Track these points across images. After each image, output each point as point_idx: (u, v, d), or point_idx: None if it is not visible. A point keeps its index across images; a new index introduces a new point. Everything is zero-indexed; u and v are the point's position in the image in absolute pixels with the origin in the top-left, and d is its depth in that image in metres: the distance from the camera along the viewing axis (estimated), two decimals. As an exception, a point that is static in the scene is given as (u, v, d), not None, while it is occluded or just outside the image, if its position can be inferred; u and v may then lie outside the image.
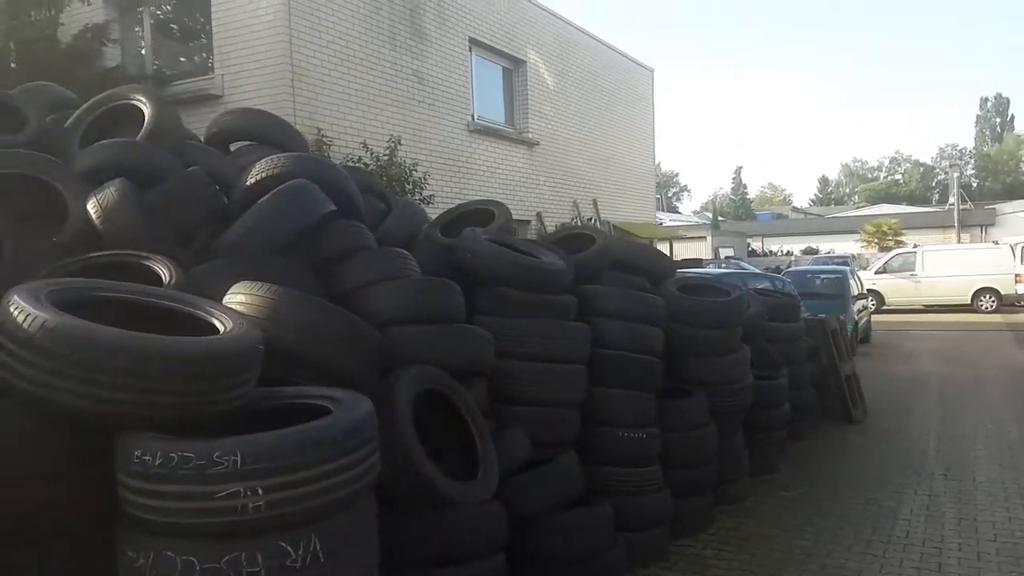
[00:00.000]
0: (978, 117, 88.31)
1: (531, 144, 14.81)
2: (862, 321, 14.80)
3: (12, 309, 2.06)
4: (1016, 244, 23.90)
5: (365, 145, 10.00)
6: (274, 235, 3.50)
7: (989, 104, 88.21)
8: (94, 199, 3.37)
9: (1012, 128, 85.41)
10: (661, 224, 25.59)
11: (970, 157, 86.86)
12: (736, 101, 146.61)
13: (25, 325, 2.02)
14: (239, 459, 1.92)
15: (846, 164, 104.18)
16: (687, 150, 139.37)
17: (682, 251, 26.22)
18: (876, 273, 23.53)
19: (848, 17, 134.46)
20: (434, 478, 3.11)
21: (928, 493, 6.15)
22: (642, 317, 5.18)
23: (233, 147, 5.13)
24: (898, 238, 35.34)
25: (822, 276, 14.97)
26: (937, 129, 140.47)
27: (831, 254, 34.21)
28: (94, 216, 3.32)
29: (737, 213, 69.02)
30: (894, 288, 23.28)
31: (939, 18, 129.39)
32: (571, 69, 16.24)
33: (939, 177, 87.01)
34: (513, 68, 14.68)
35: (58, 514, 2.12)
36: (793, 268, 18.91)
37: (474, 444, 3.58)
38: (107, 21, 9.90)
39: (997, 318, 20.85)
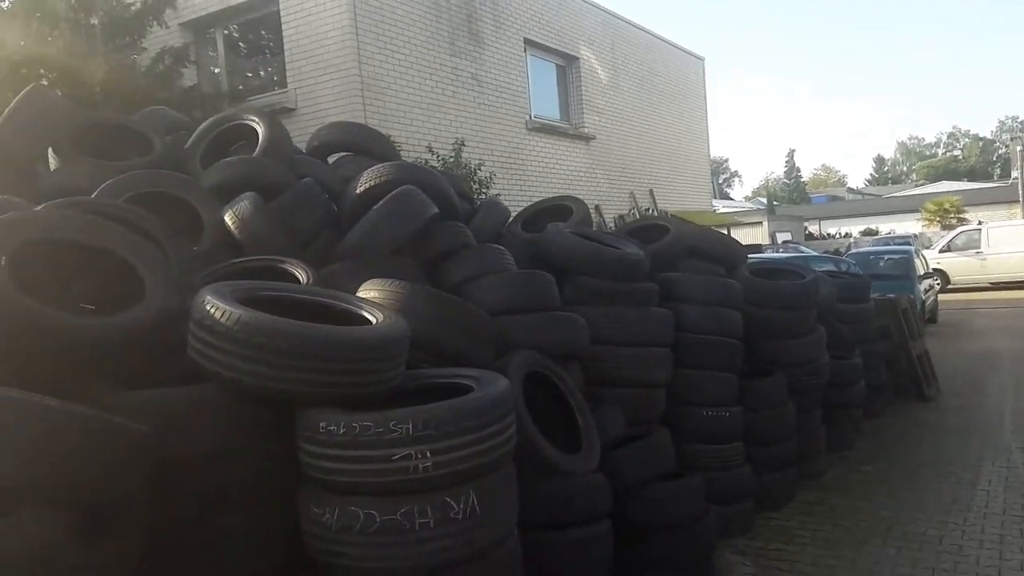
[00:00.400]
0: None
1: (587, 139, 15.05)
2: (929, 300, 14.68)
3: (208, 307, 2.43)
4: (1087, 216, 23.24)
5: (431, 148, 10.37)
6: (392, 237, 3.86)
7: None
8: (230, 211, 3.76)
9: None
10: (716, 211, 25.53)
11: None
12: (786, 84, 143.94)
13: (223, 320, 2.38)
14: (411, 427, 2.25)
15: (902, 142, 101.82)
16: (737, 136, 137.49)
17: (739, 237, 26.06)
18: (940, 252, 23.15)
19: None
20: (545, 449, 3.42)
21: (1006, 465, 6.25)
22: (721, 301, 5.42)
23: (331, 158, 5.52)
24: (960, 215, 34.56)
25: (887, 256, 14.90)
26: (996, 101, 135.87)
27: (891, 234, 33.61)
28: (232, 226, 3.71)
29: (791, 197, 68.00)
30: (959, 266, 22.88)
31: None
32: (622, 62, 16.42)
33: (1000, 151, 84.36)
34: (566, 65, 14.94)
35: (248, 481, 2.48)
36: (855, 250, 18.74)
37: (576, 421, 3.88)
38: (185, 44, 10.46)
39: (1069, 293, 20.35)
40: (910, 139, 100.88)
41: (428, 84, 11.07)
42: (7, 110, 4.04)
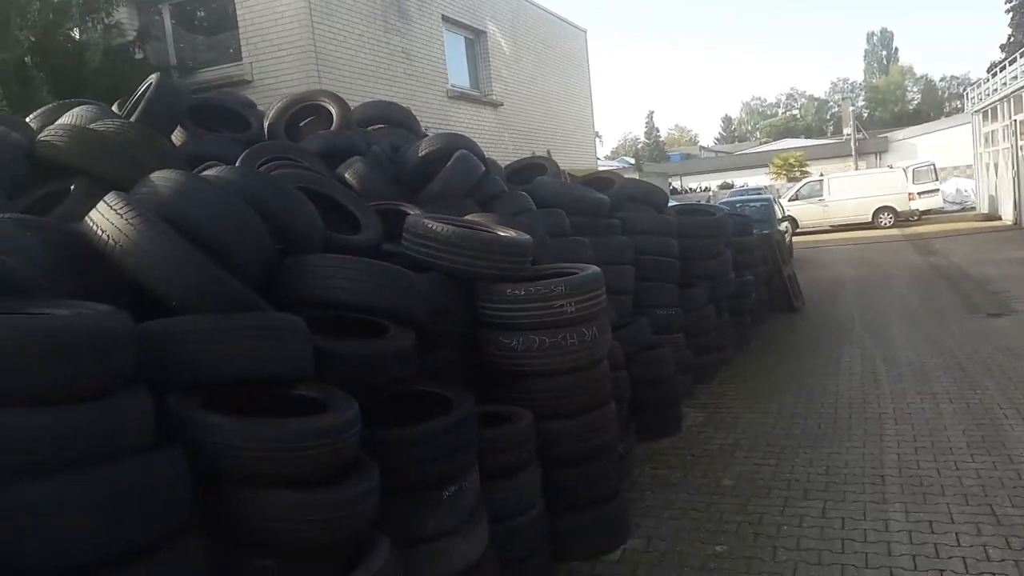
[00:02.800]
0: (865, 51, 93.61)
1: (496, 105, 16.68)
2: (786, 240, 17.39)
3: (430, 225, 3.99)
4: (908, 167, 27.19)
5: (375, 116, 11.69)
6: (461, 186, 5.44)
7: (875, 38, 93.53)
8: (349, 171, 5.21)
9: (897, 60, 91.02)
10: (599, 169, 27.74)
11: (860, 89, 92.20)
12: (638, 49, 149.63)
13: (442, 232, 3.95)
14: (564, 288, 3.93)
15: (746, 103, 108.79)
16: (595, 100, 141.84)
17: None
18: (789, 201, 26.41)
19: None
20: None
21: (860, 346, 8.59)
22: (663, 232, 7.32)
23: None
24: (803, 169, 38.68)
25: (751, 204, 17.44)
26: (828, 64, 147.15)
27: (745, 187, 37.19)
28: (352, 181, 5.16)
29: (652, 155, 72.15)
30: (806, 212, 26.25)
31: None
32: (522, 35, 18.07)
33: (833, 110, 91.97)
34: (475, 38, 16.44)
35: (455, 328, 4.07)
36: (720, 200, 21.39)
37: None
38: (144, 22, 11.24)
39: (895, 231, 24.01)
40: (753, 100, 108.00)
41: (369, 58, 12.34)
42: (148, 95, 5.23)
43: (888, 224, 25.43)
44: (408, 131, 6.83)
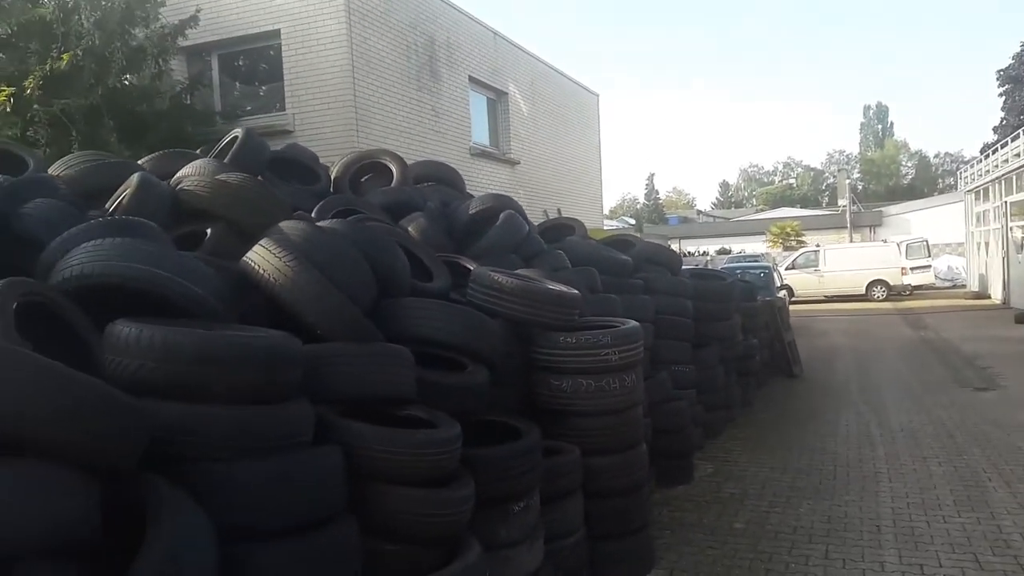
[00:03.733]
0: (862, 124, 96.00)
1: (513, 163, 17.47)
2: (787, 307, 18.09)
3: (496, 277, 4.59)
4: (902, 242, 28.11)
5: (406, 169, 12.41)
6: (509, 243, 6.07)
7: (871, 112, 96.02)
8: (412, 224, 5.83)
9: (892, 134, 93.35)
10: (604, 228, 28.54)
11: (856, 162, 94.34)
12: (638, 110, 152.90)
13: (505, 284, 4.55)
14: (610, 338, 4.53)
15: (744, 169, 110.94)
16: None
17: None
18: (786, 269, 27.21)
19: (736, 28, 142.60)
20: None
21: (856, 411, 9.17)
22: (679, 293, 7.94)
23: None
24: (799, 238, 39.67)
25: (752, 271, 18.18)
26: (825, 135, 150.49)
27: (742, 253, 38.09)
28: (415, 234, 5.78)
29: (651, 217, 73.50)
30: (801, 281, 27.02)
31: (822, 28, 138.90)
32: (539, 97, 18.98)
33: (828, 180, 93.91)
34: (497, 99, 17.31)
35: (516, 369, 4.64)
36: (722, 266, 22.12)
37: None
38: (200, 70, 12.01)
39: (887, 304, 24.78)
40: (751, 167, 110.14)
41: (402, 114, 13.11)
42: (237, 147, 5.87)
43: (881, 297, 26.22)
44: (454, 189, 7.50)
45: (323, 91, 11.99)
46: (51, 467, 1.92)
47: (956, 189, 38.90)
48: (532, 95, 18.63)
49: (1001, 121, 45.24)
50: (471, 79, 15.78)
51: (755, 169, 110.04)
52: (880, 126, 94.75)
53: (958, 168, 39.40)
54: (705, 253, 43.01)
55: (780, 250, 38.28)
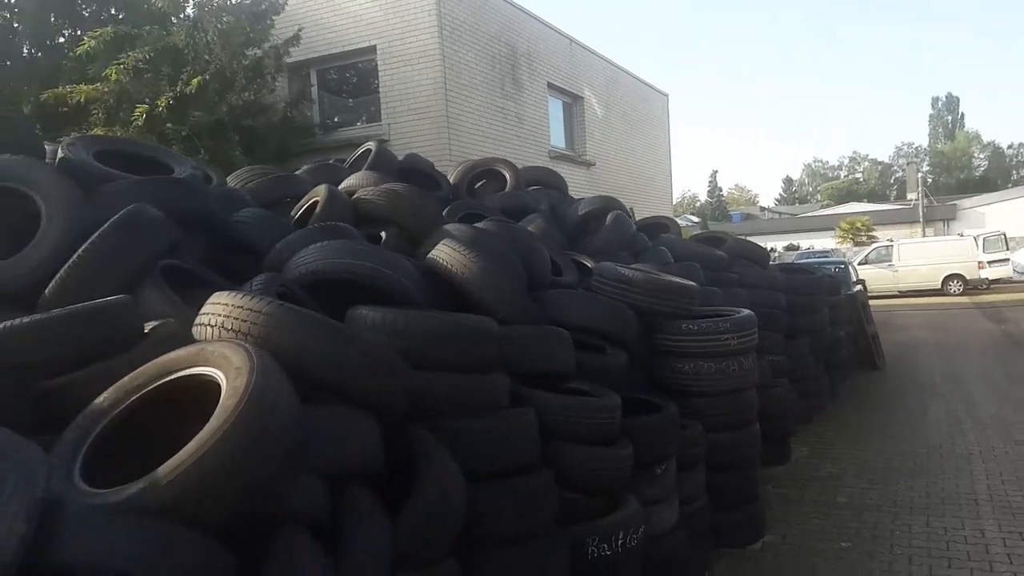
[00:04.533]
0: (931, 116, 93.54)
1: (589, 165, 17.97)
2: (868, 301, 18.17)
3: (624, 272, 5.13)
4: (978, 235, 27.65)
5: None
6: (618, 241, 6.60)
7: (940, 103, 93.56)
8: (532, 224, 6.40)
9: (963, 126, 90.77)
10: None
11: (925, 154, 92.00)
12: (701, 105, 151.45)
13: (633, 278, 5.08)
14: (729, 324, 5.02)
15: (808, 164, 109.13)
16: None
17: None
18: (859, 264, 27.02)
19: (794, 20, 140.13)
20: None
21: (943, 400, 9.43)
22: (774, 287, 8.35)
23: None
24: (870, 233, 39.13)
25: (827, 266, 18.29)
26: (892, 128, 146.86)
27: (811, 249, 37.77)
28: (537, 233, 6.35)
29: (714, 214, 73.02)
30: (874, 277, 26.78)
31: (889, 20, 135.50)
32: (612, 100, 19.45)
33: (897, 174, 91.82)
34: (572, 103, 17.84)
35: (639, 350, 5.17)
36: (799, 261, 22.21)
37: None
38: (300, 89, 12.89)
39: (964, 299, 24.45)
40: (815, 162, 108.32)
41: (488, 122, 13.76)
42: (372, 159, 6.53)
43: (957, 292, 25.86)
44: (559, 192, 8.06)
45: (416, 102, 12.70)
46: (357, 412, 2.54)
47: (1034, 180, 37.90)
48: (605, 98, 19.10)
49: (1081, 109, 43.76)
50: (549, 85, 16.35)
51: (819, 164, 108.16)
52: (950, 117, 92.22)
53: (1036, 159, 38.32)
54: (772, 249, 42.74)
55: (850, 245, 37.83)
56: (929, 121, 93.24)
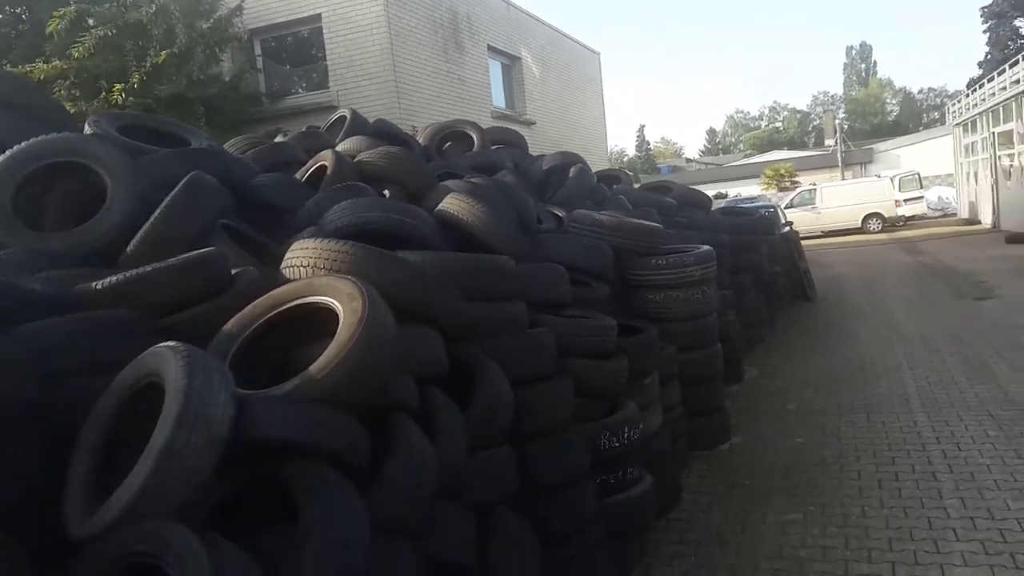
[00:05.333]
0: (845, 65, 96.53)
1: (530, 123, 18.49)
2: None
3: (596, 215, 5.74)
4: (894, 176, 29.27)
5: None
6: (582, 192, 7.20)
7: (854, 52, 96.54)
8: (504, 180, 6.93)
9: (875, 73, 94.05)
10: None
11: (841, 102, 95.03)
12: (622, 63, 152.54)
13: (605, 220, 5.70)
14: (693, 258, 5.70)
15: (730, 116, 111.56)
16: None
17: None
18: (785, 208, 28.33)
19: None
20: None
21: (870, 322, 10.42)
22: (719, 228, 9.11)
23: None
24: (793, 179, 40.76)
25: (760, 210, 19.33)
26: (810, 78, 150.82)
27: (738, 196, 39.15)
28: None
29: (643, 168, 74.36)
30: (800, 219, 28.00)
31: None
32: (548, 60, 19.95)
33: (815, 122, 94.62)
34: (511, 64, 18.28)
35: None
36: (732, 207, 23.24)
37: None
38: (246, 59, 13.02)
39: (883, 236, 26.00)
40: (737, 112, 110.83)
41: (435, 85, 14.13)
42: (346, 126, 6.94)
43: (877, 229, 27.43)
44: (520, 149, 8.60)
45: (364, 69, 13.00)
46: (427, 328, 3.10)
47: (942, 124, 39.97)
48: (542, 58, 19.59)
49: (986, 56, 46.17)
50: (489, 47, 16.74)
51: (741, 115, 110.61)
52: (864, 65, 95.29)
53: (943, 103, 40.41)
54: (702, 200, 44.05)
55: (775, 191, 39.35)
56: (843, 70, 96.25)
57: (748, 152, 78.09)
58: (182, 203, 3.48)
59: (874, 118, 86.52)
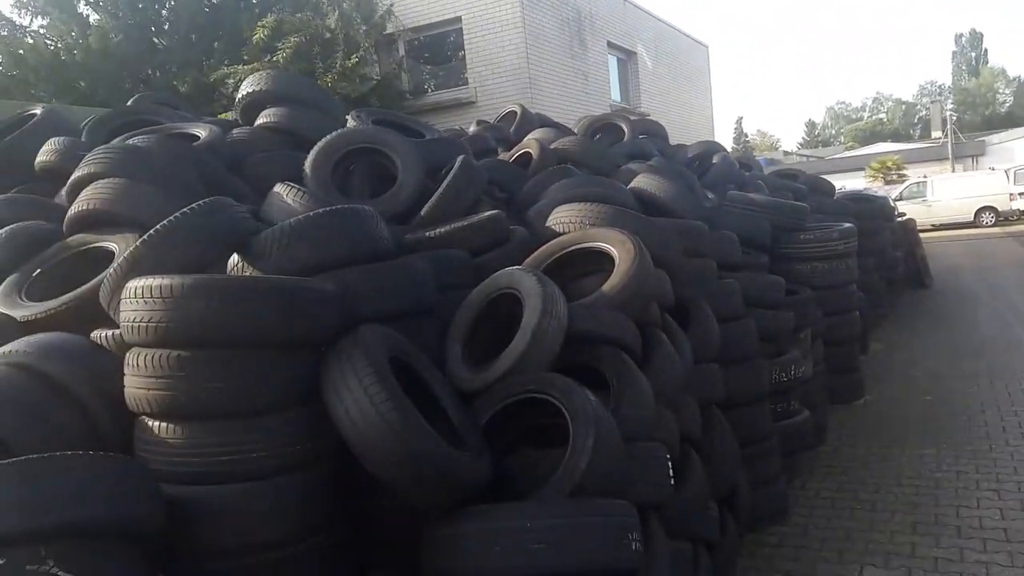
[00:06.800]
0: (954, 53, 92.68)
1: (644, 116, 19.28)
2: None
3: (753, 196, 6.62)
4: (1009, 169, 28.69)
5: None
6: (728, 178, 8.07)
7: (964, 40, 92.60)
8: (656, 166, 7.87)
9: (987, 62, 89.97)
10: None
11: (949, 92, 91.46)
12: (721, 53, 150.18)
13: (760, 200, 6.58)
14: (838, 233, 6.52)
15: (830, 107, 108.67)
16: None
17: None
18: (894, 200, 28.21)
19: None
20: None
21: (990, 307, 10.91)
22: (845, 212, 9.80)
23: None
24: (900, 172, 40.05)
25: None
26: (915, 67, 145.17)
27: (843, 189, 38.73)
28: (661, 173, 7.82)
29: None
30: (910, 212, 27.76)
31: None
32: (661, 54, 20.69)
33: (920, 113, 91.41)
34: (627, 59, 19.13)
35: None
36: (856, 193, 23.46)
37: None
38: (401, 56, 14.36)
39: (997, 229, 25.64)
40: (838, 104, 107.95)
41: (562, 81, 15.15)
42: (518, 122, 8.02)
43: (990, 223, 27.02)
44: (661, 139, 9.50)
45: (501, 66, 14.12)
46: (659, 270, 4.09)
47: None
48: (656, 52, 20.35)
49: (1109, 40, 44.03)
50: (609, 44, 17.65)
51: (843, 106, 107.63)
52: (974, 54, 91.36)
53: (1063, 91, 38.79)
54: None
55: (880, 184, 38.79)
56: (952, 58, 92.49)
57: (850, 144, 76.23)
58: (461, 178, 4.57)
59: (985, 109, 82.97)
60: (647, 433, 3.10)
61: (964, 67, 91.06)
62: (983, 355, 8.01)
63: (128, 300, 2.41)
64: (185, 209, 2.94)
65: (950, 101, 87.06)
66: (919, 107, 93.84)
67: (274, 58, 10.18)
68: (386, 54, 15.29)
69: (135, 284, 2.40)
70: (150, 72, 11.95)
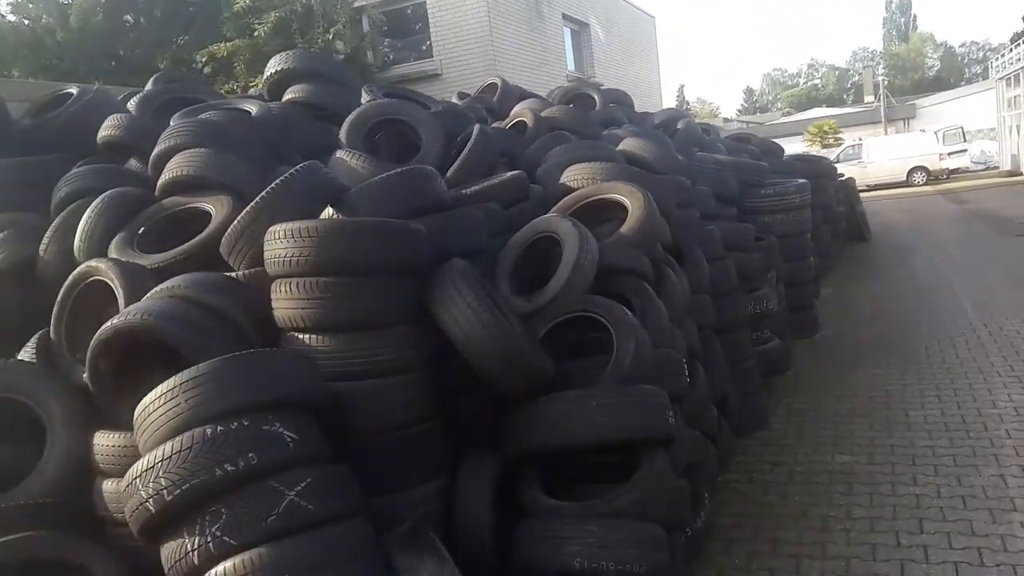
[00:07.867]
0: (884, 19, 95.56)
1: (598, 86, 19.99)
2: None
3: (718, 156, 7.41)
4: (938, 130, 30.33)
5: (531, 98, 15.12)
6: (692, 141, 8.86)
7: (893, 6, 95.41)
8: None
9: (916, 28, 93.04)
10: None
11: (880, 58, 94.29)
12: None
13: (726, 160, 7.37)
14: (794, 188, 7.37)
15: (767, 74, 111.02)
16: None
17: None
18: (832, 162, 29.58)
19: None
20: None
21: (923, 255, 12.01)
22: (793, 171, 10.71)
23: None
24: (836, 136, 41.71)
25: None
26: (848, 34, 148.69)
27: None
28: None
29: (682, 128, 75.05)
30: (848, 172, 29.35)
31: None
32: (612, 25, 21.39)
33: (854, 79, 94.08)
34: (580, 30, 19.78)
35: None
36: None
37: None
38: (363, 33, 14.77)
39: (928, 188, 27.19)
40: (774, 71, 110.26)
41: (523, 53, 15.75)
42: (500, 93, 8.66)
43: (921, 182, 28.59)
44: (628, 107, 10.23)
45: (464, 39, 14.65)
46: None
47: (985, 78, 40.51)
48: (607, 23, 21.03)
49: (1030, 6, 46.23)
50: (564, 15, 18.27)
51: (779, 72, 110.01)
52: (903, 19, 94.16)
53: (985, 57, 40.85)
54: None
55: (818, 147, 40.36)
56: (883, 24, 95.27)
57: (787, 111, 78.23)
58: (480, 144, 5.22)
59: (915, 73, 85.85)
60: (666, 343, 3.85)
61: (894, 33, 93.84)
62: (922, 294, 9.01)
63: (274, 240, 3.04)
64: (289, 172, 3.56)
65: (881, 66, 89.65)
66: (852, 72, 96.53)
67: (255, 34, 10.56)
68: (353, 29, 15.65)
69: (280, 228, 3.03)
70: (122, 52, 12.17)
